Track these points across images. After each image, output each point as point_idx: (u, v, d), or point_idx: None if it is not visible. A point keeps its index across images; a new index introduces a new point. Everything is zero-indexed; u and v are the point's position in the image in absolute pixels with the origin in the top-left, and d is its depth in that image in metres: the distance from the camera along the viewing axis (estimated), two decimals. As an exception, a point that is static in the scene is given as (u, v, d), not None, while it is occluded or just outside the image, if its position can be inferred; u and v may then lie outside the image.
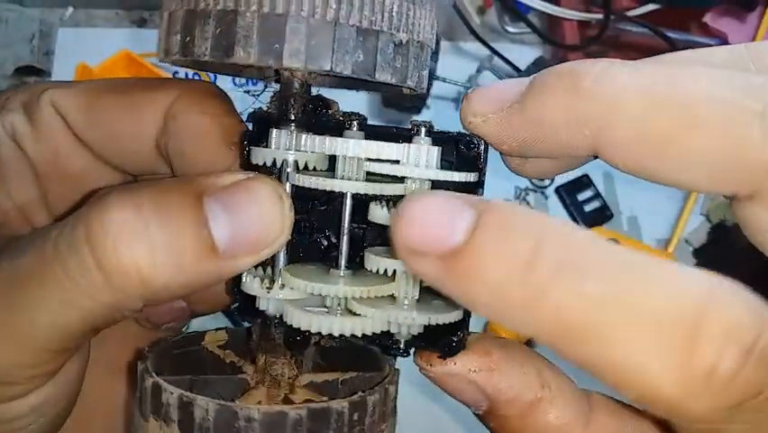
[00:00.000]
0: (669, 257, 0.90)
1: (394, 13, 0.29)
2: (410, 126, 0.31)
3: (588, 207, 0.95)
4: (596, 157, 0.30)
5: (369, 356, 0.37)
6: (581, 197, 0.95)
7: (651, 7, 0.94)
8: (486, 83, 1.02)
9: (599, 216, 0.95)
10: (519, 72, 0.94)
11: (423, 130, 0.31)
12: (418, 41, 0.31)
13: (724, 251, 0.91)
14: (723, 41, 0.94)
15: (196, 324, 0.45)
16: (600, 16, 0.93)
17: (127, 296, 0.29)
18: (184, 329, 0.43)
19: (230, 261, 0.30)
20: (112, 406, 0.40)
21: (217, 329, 0.38)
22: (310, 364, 0.37)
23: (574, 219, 0.95)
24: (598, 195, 0.96)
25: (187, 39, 0.29)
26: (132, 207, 0.28)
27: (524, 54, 0.98)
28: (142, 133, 0.36)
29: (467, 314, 0.33)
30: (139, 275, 0.28)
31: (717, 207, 0.94)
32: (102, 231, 0.28)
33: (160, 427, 0.31)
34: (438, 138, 0.31)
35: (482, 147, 0.31)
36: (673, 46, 0.92)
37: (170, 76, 0.92)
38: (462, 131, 0.32)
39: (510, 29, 1.02)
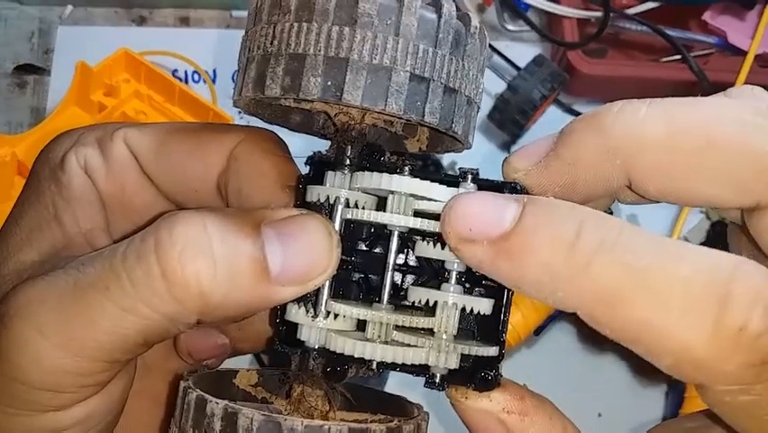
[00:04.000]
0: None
1: (477, 86, 0.35)
2: (458, 173, 0.33)
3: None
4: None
5: (397, 403, 0.38)
6: (581, 194, 0.95)
7: (650, 5, 0.95)
8: (486, 81, 1.02)
9: (599, 214, 0.95)
10: (519, 70, 0.95)
11: (469, 177, 0.33)
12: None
13: (723, 248, 0.92)
14: (722, 38, 0.95)
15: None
16: (600, 14, 0.93)
17: (185, 307, 0.30)
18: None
19: (279, 287, 0.31)
20: None
21: (249, 369, 0.39)
22: (342, 402, 0.37)
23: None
24: (598, 192, 0.96)
25: (329, 83, 0.31)
26: (199, 224, 0.30)
27: (523, 52, 0.98)
28: (206, 173, 0.38)
29: (501, 352, 0.33)
30: (199, 287, 0.30)
31: (715, 205, 0.95)
32: (170, 242, 0.30)
33: None
34: (483, 184, 0.33)
35: (524, 192, 0.33)
36: (672, 44, 0.93)
37: (170, 77, 0.91)
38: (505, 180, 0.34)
39: (510, 27, 1.02)
